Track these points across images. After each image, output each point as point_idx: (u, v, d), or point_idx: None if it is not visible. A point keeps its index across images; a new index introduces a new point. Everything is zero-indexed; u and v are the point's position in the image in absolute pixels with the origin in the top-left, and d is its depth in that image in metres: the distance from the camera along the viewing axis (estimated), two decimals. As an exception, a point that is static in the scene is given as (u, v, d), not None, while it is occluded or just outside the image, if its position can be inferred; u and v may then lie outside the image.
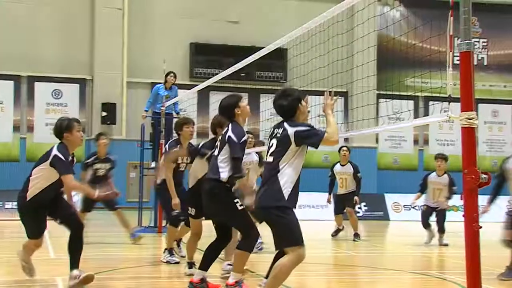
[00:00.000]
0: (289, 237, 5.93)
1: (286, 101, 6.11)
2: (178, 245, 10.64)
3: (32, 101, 23.06)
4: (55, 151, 7.34)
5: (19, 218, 7.64)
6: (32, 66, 22.94)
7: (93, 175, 12.10)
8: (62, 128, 7.46)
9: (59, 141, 7.51)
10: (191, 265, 8.47)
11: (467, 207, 4.76)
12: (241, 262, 6.92)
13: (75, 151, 7.70)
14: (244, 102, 7.34)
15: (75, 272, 7.29)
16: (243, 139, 7.05)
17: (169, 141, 11.06)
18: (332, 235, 14.26)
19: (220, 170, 7.16)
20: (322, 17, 7.60)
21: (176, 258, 9.90)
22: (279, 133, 6.03)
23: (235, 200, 7.12)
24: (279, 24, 21.75)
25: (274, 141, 6.07)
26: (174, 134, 11.24)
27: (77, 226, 7.51)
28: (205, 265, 7.46)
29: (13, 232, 13.39)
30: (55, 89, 23.28)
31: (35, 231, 7.62)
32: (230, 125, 7.15)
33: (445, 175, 13.32)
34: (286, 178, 5.91)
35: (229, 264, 7.63)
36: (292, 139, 5.92)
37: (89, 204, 11.59)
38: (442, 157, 13.55)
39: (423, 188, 13.60)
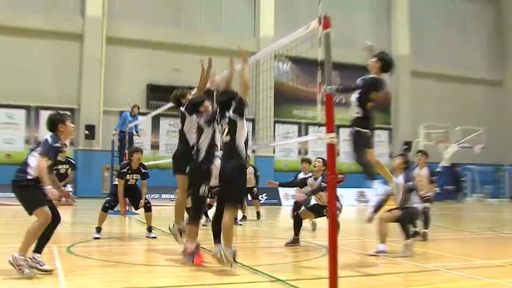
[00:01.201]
0: (238, 195, 5.92)
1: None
2: (150, 230, 9.30)
3: (38, 123, 22.35)
4: (47, 136, 5.70)
5: (18, 201, 5.64)
6: (38, 99, 22.38)
7: (57, 173, 9.76)
8: (57, 120, 5.77)
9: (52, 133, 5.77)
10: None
11: (330, 197, 4.78)
12: (192, 233, 6.33)
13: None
14: (208, 102, 7.06)
15: (39, 257, 5.71)
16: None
17: (122, 163, 10.66)
18: (239, 222, 12.70)
19: (199, 159, 6.59)
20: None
21: (97, 235, 8.89)
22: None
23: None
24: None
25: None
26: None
27: (56, 218, 5.73)
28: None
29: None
30: (53, 115, 22.63)
31: (39, 199, 5.52)
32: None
33: (309, 173, 12.56)
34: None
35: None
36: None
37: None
38: (306, 160, 12.02)
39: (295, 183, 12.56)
